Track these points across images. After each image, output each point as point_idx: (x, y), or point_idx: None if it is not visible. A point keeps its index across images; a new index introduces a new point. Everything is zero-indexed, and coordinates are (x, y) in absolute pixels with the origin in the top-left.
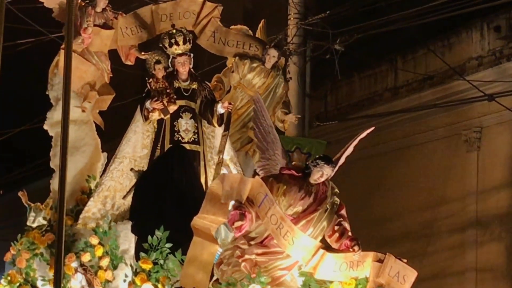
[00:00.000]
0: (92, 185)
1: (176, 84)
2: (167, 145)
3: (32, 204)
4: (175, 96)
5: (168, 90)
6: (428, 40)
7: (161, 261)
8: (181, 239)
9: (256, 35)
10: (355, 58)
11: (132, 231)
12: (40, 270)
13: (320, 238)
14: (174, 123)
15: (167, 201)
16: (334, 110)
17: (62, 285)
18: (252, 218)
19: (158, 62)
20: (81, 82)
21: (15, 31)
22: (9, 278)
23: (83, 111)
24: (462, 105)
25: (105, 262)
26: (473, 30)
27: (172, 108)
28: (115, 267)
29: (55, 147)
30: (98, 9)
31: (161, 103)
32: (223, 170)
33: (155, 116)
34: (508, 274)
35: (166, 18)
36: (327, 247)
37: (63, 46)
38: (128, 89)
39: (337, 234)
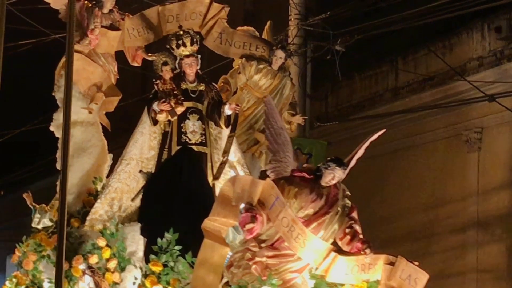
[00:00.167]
0: (99, 187)
1: (183, 86)
2: (174, 147)
3: (37, 206)
4: (182, 98)
5: (175, 92)
6: (428, 41)
7: (171, 264)
8: (190, 241)
9: (263, 36)
10: (356, 58)
11: (141, 234)
12: (47, 272)
13: (331, 240)
14: (181, 125)
15: (176, 204)
16: (334, 111)
17: (69, 287)
18: (263, 221)
19: (165, 63)
20: (88, 83)
21: (15, 32)
22: (14, 280)
23: (90, 112)
24: (463, 105)
25: (112, 264)
26: (473, 30)
27: (180, 110)
28: (122, 269)
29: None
30: (105, 10)
31: (169, 104)
32: (231, 172)
33: (163, 117)
34: (509, 275)
35: (172, 19)
36: (338, 250)
37: None
38: (129, 88)
39: (348, 237)
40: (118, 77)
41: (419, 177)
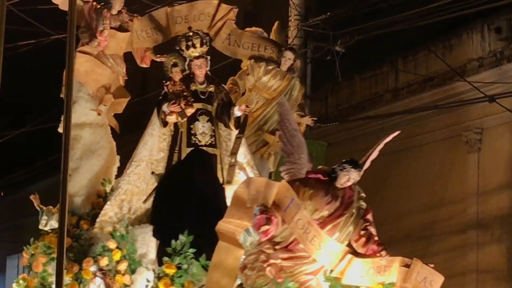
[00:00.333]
0: (108, 189)
1: (193, 87)
2: (184, 149)
3: (44, 208)
4: (192, 99)
5: (185, 93)
6: (428, 42)
7: (185, 266)
8: (203, 243)
9: (271, 37)
10: (356, 59)
11: (154, 235)
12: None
13: (346, 243)
14: (191, 126)
15: (189, 205)
16: (334, 112)
17: None
18: (278, 223)
19: (175, 64)
20: (96, 85)
21: (16, 32)
22: (21, 282)
23: (99, 114)
24: (463, 106)
25: (123, 266)
26: (473, 31)
27: (190, 111)
28: (133, 272)
29: (70, 150)
30: (114, 12)
31: (179, 106)
32: (240, 174)
33: (173, 119)
34: (509, 276)
35: (181, 21)
36: (353, 252)
37: (78, 48)
38: (128, 87)
39: (363, 239)
40: (126, 78)
41: (419, 178)
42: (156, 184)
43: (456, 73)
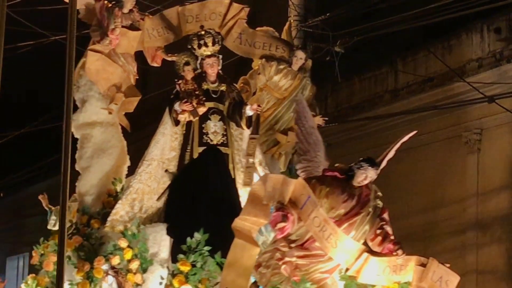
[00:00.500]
0: (118, 188)
1: (205, 86)
2: (196, 148)
3: (53, 208)
4: (204, 98)
5: (197, 92)
6: (428, 42)
7: (199, 263)
8: (217, 241)
9: (281, 37)
10: (355, 60)
11: (168, 233)
12: (67, 274)
13: (362, 241)
14: (203, 125)
15: (203, 204)
16: (334, 112)
17: None
18: (295, 220)
19: (187, 63)
20: (107, 83)
21: (16, 33)
22: (30, 281)
23: (110, 113)
24: (462, 107)
25: (134, 265)
26: (473, 32)
27: (201, 110)
28: (144, 271)
29: (81, 149)
30: (125, 10)
31: (191, 104)
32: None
33: (184, 118)
34: (508, 276)
35: (192, 20)
36: (369, 250)
37: (89, 47)
38: None
39: (379, 238)
40: (137, 77)
41: (419, 178)
42: (168, 182)
43: (456, 74)
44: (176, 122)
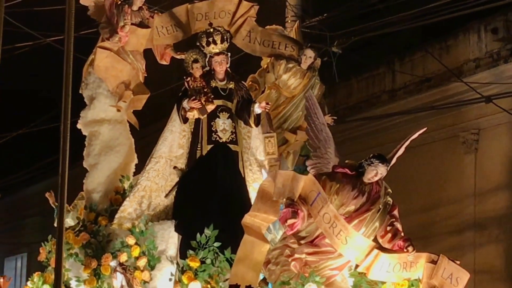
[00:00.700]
0: (126, 185)
1: (213, 84)
2: (205, 145)
3: None
4: (212, 96)
5: (205, 89)
6: (425, 42)
7: (209, 260)
8: (227, 238)
9: (290, 35)
10: (353, 60)
11: (176, 230)
12: (73, 271)
13: (372, 238)
14: (212, 123)
15: (212, 200)
16: (331, 113)
17: (97, 285)
18: (305, 217)
19: (196, 60)
20: (116, 81)
21: (13, 34)
22: (36, 279)
23: (118, 110)
24: (460, 107)
25: (142, 262)
26: (470, 32)
27: (210, 108)
28: (152, 268)
29: (88, 146)
30: (135, 8)
31: (199, 102)
32: (262, 172)
33: (193, 115)
34: (506, 276)
35: (201, 18)
36: (380, 247)
37: (98, 44)
38: None
39: (389, 235)
40: (146, 75)
41: (416, 178)
42: (176, 179)
43: (453, 74)
44: (185, 120)
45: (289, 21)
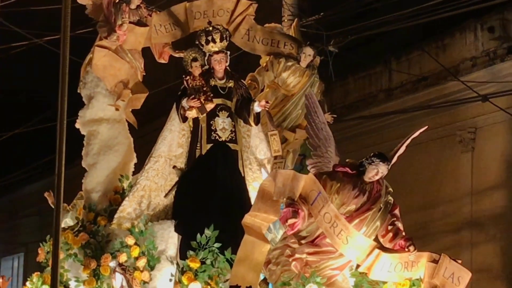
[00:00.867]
0: (125, 185)
1: (212, 82)
2: (204, 145)
3: None
4: (211, 94)
5: (204, 88)
6: (422, 41)
7: (209, 260)
8: (227, 238)
9: (290, 34)
10: (349, 59)
11: (176, 230)
12: (73, 271)
13: (373, 237)
14: (211, 122)
15: (212, 200)
16: (328, 112)
17: (97, 285)
18: (305, 216)
19: (195, 59)
20: (114, 80)
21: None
22: (35, 279)
23: (117, 109)
24: (457, 105)
25: (141, 262)
26: (467, 31)
27: (209, 107)
28: (152, 268)
29: (87, 146)
30: (133, 6)
31: (199, 101)
32: (262, 170)
33: (192, 114)
34: (503, 275)
35: (200, 16)
36: (381, 247)
37: (96, 42)
38: None
39: (390, 234)
40: (144, 74)
41: (413, 177)
42: (176, 179)
43: (450, 73)
44: (184, 119)
45: (286, 20)
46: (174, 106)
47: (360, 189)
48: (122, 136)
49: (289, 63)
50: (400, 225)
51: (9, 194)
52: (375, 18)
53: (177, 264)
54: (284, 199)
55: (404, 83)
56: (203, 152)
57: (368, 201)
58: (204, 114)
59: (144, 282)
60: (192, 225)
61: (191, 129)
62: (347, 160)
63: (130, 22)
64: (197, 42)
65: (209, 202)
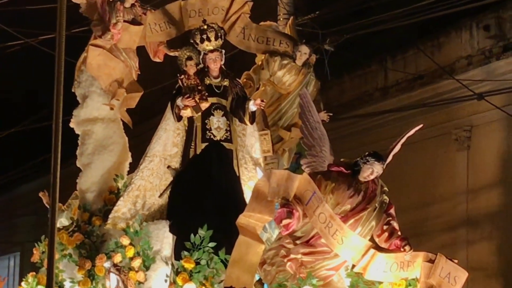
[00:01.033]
0: (120, 185)
1: (207, 81)
2: (199, 144)
3: None
4: (206, 93)
5: (199, 87)
6: (417, 40)
7: (203, 261)
8: (222, 238)
9: (285, 32)
10: (345, 58)
11: (170, 231)
12: (67, 272)
13: (368, 237)
14: (206, 121)
15: (207, 200)
16: (325, 110)
17: (92, 286)
18: (300, 216)
19: (189, 58)
20: (109, 79)
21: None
22: (30, 280)
23: (112, 108)
24: (452, 104)
25: (136, 263)
26: (462, 29)
27: (204, 106)
28: (147, 268)
29: (81, 145)
30: (127, 5)
31: (193, 100)
32: (256, 169)
33: (187, 113)
34: (499, 273)
35: (195, 14)
36: (376, 246)
37: (91, 41)
38: None
39: (386, 234)
40: (139, 72)
41: (409, 176)
42: (171, 179)
43: (445, 71)
44: (179, 118)
45: (281, 19)
46: (169, 105)
47: (355, 188)
48: (117, 135)
49: (285, 61)
50: (395, 224)
51: (5, 193)
52: (370, 17)
53: (172, 264)
54: (279, 199)
55: (400, 81)
56: (198, 151)
57: (363, 201)
58: (199, 113)
59: (139, 283)
60: (186, 225)
61: (186, 128)
62: (341, 160)
63: (124, 21)
64: (191, 41)
65: (204, 202)
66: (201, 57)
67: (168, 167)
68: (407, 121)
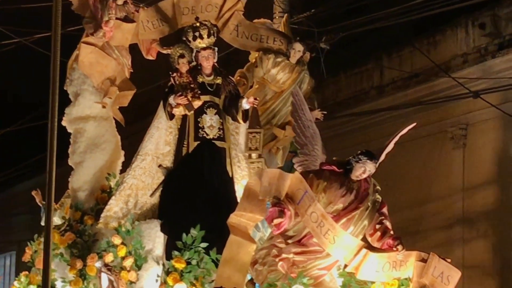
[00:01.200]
0: (112, 183)
1: (200, 79)
2: (192, 142)
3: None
4: (199, 91)
5: (192, 85)
6: (413, 38)
7: (194, 261)
8: (214, 238)
9: (279, 29)
10: (341, 56)
11: (162, 230)
12: (59, 271)
13: (361, 237)
14: (198, 119)
15: (198, 199)
16: (319, 109)
17: (83, 286)
18: (292, 216)
19: (182, 56)
20: (101, 77)
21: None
22: (23, 279)
23: (104, 107)
24: (448, 102)
25: (128, 262)
26: (458, 27)
27: (197, 104)
28: (139, 268)
29: (74, 144)
30: (119, 2)
31: (186, 98)
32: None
33: (179, 111)
34: (495, 271)
35: (188, 12)
36: (368, 246)
37: (83, 39)
38: None
39: (378, 233)
40: (132, 70)
41: (405, 174)
42: (163, 177)
43: (441, 69)
44: (171, 116)
45: (277, 17)
46: (161, 103)
47: (348, 187)
48: (109, 134)
49: (279, 59)
50: (388, 224)
51: (1, 192)
52: (366, 15)
53: (163, 264)
54: (270, 198)
55: (396, 80)
56: (190, 150)
57: (356, 200)
58: (192, 112)
59: (131, 282)
60: (178, 224)
61: (179, 126)
62: (334, 158)
63: (117, 18)
64: (184, 38)
65: (196, 201)
66: (193, 54)
67: (160, 166)
68: (403, 119)
